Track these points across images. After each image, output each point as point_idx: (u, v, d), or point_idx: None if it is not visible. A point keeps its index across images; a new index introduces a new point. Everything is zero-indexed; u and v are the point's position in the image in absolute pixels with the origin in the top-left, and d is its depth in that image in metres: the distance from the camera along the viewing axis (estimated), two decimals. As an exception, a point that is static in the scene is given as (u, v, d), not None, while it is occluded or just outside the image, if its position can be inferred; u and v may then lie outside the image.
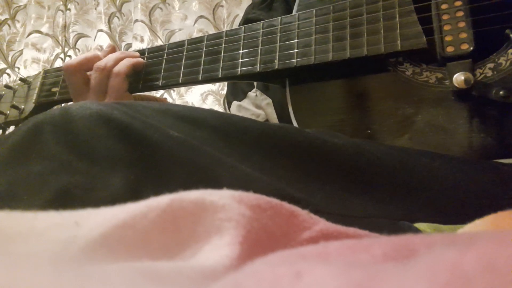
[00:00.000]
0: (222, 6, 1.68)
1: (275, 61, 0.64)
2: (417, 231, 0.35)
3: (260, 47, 0.66)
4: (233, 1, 1.66)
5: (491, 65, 0.53)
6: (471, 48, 0.53)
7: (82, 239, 0.18)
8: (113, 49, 0.73)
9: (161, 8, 1.77)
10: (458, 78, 0.52)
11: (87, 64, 0.69)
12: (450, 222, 0.38)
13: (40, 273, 0.15)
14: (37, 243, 0.18)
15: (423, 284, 0.13)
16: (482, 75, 0.53)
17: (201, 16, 1.68)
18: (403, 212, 0.39)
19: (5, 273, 0.15)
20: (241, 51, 0.67)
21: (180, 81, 0.70)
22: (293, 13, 0.68)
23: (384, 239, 0.19)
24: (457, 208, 0.41)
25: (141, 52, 0.74)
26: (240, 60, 0.67)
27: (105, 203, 0.21)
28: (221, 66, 0.67)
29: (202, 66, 0.69)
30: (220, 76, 0.67)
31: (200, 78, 0.69)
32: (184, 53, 0.71)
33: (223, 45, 0.69)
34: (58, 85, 0.81)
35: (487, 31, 0.55)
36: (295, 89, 0.64)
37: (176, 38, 1.71)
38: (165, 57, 0.73)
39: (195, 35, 1.66)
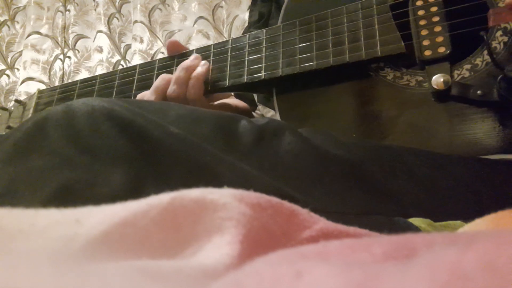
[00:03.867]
0: (222, 7, 1.68)
1: (261, 71, 0.66)
2: (412, 226, 0.36)
3: (246, 58, 0.68)
4: (232, 1, 1.66)
5: (468, 66, 0.55)
6: (448, 51, 0.56)
7: (82, 237, 0.18)
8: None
9: (160, 9, 1.77)
10: (437, 80, 0.54)
11: None
12: (437, 218, 0.38)
13: (41, 271, 0.15)
14: (37, 241, 0.18)
15: (423, 284, 0.13)
16: (460, 76, 0.55)
17: (201, 17, 1.68)
18: (397, 208, 0.40)
19: (6, 271, 0.15)
20: (228, 63, 0.69)
21: None
22: (278, 23, 0.70)
23: (384, 238, 0.19)
24: (441, 205, 0.42)
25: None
26: (228, 72, 0.68)
27: (106, 199, 0.21)
28: (209, 78, 0.69)
29: None
30: (209, 88, 0.69)
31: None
32: (175, 66, 0.73)
33: (211, 58, 0.71)
34: (53, 104, 0.82)
35: (463, 34, 0.57)
36: (282, 98, 0.66)
37: (175, 38, 1.70)
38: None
39: (195, 36, 1.67)
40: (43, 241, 0.18)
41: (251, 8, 0.91)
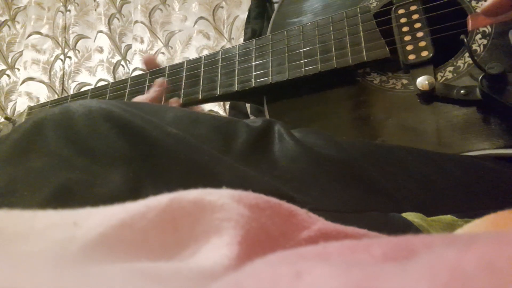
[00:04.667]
0: (222, 7, 1.68)
1: (252, 80, 0.68)
2: (408, 222, 0.36)
3: (237, 68, 0.70)
4: (232, 2, 1.66)
5: (450, 68, 0.58)
6: (431, 55, 0.58)
7: (81, 239, 0.18)
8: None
9: (161, 9, 1.77)
10: (421, 82, 0.56)
11: None
12: (429, 213, 0.39)
13: (40, 273, 0.15)
14: (36, 243, 0.18)
15: (423, 284, 0.13)
16: (443, 78, 0.57)
17: (201, 17, 1.68)
18: (393, 206, 0.40)
19: (5, 273, 0.15)
20: (219, 73, 0.71)
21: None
22: (267, 34, 0.73)
23: (383, 239, 0.19)
24: (437, 202, 0.43)
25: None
26: (219, 82, 0.70)
27: (104, 199, 0.21)
28: (200, 88, 0.71)
29: (182, 90, 0.73)
30: (200, 98, 0.71)
31: (181, 101, 0.73)
32: (166, 78, 0.75)
33: (202, 69, 0.73)
34: None
35: (444, 38, 0.59)
36: (272, 106, 0.68)
37: (176, 39, 1.71)
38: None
39: (195, 36, 1.67)
40: (42, 243, 0.18)
41: (246, 26, 0.95)
